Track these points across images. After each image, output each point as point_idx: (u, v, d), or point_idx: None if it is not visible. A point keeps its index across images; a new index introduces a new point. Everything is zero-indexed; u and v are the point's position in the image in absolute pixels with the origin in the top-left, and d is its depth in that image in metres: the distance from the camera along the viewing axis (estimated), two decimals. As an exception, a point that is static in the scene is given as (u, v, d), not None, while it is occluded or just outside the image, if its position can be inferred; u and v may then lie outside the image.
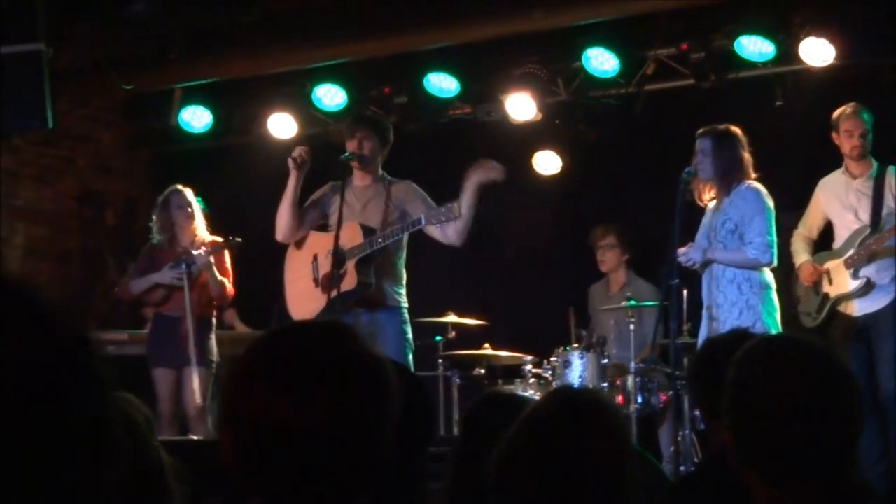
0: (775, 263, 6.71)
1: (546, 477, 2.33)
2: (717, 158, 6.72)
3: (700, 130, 6.84)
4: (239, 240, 7.68)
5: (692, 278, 6.96)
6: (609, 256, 8.69)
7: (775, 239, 6.68)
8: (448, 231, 6.85)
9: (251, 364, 1.90)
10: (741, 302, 6.62)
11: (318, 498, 1.84)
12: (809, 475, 2.25)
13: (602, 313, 8.53)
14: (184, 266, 7.53)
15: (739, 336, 3.51)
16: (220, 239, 7.78)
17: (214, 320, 7.85)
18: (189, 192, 7.82)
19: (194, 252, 7.56)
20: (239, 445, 1.85)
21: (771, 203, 6.70)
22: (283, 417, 1.80)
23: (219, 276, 7.64)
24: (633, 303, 7.83)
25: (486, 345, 8.16)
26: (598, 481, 2.33)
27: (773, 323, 6.63)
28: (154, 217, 7.88)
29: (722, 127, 6.81)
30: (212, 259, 7.60)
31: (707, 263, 6.75)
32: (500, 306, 8.77)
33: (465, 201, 6.71)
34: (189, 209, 7.77)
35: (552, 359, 7.78)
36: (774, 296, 6.72)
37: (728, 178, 6.75)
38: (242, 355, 1.94)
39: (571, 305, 8.07)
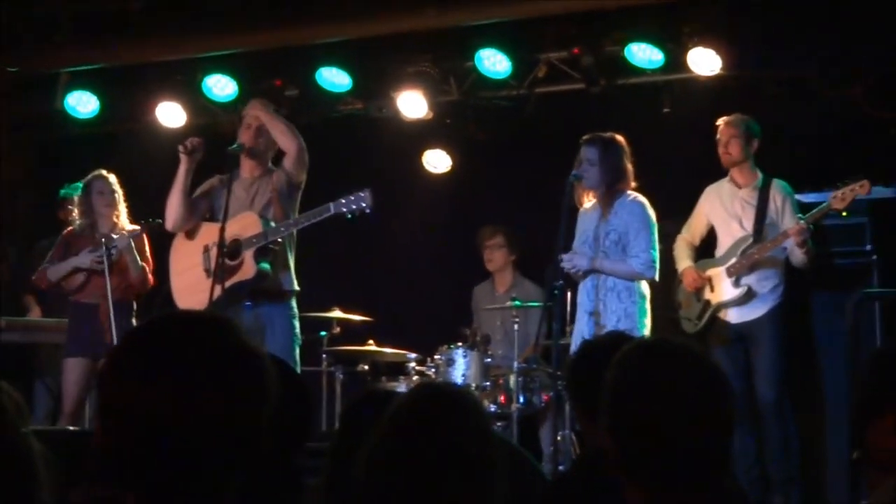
0: (657, 279, 6.85)
1: (411, 470, 2.34)
2: (602, 168, 6.80)
3: (585, 137, 6.89)
4: (159, 221, 7.50)
5: (576, 282, 7.03)
6: (496, 256, 8.74)
7: (658, 254, 6.82)
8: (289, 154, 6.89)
9: (127, 354, 1.88)
10: (620, 310, 6.74)
11: (189, 490, 1.83)
12: (684, 476, 2.29)
13: (488, 312, 8.57)
14: (104, 250, 7.37)
15: (616, 339, 3.56)
16: (137, 227, 7.65)
17: (135, 306, 7.67)
18: (112, 179, 7.69)
19: (114, 236, 7.42)
20: (112, 436, 1.83)
21: (654, 216, 6.84)
22: (156, 408, 1.78)
23: (139, 261, 7.51)
24: (517, 303, 7.88)
25: (371, 341, 8.16)
26: (462, 472, 2.34)
27: (647, 331, 6.77)
28: (76, 201, 7.73)
29: (607, 135, 6.88)
30: (132, 243, 7.46)
31: (590, 271, 6.84)
32: (385, 303, 8.77)
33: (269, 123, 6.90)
34: (110, 196, 7.64)
35: (436, 356, 7.81)
36: (648, 306, 6.87)
37: (613, 188, 6.85)
38: (119, 344, 1.92)
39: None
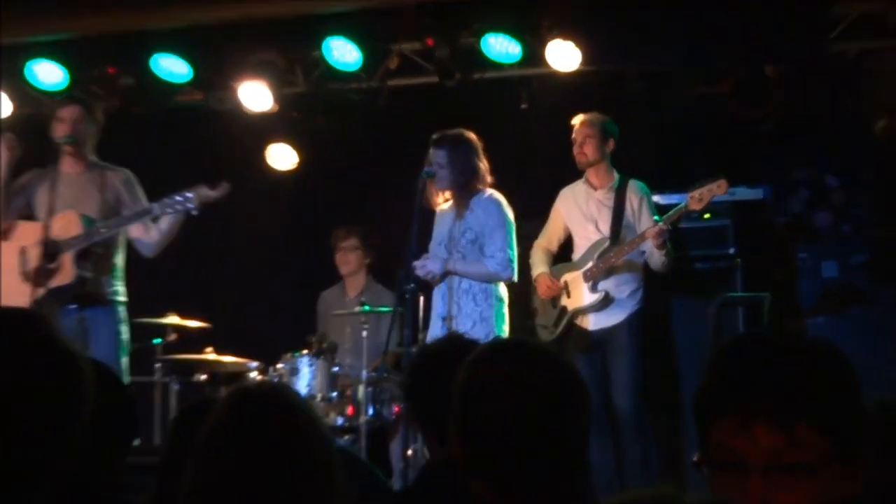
0: (515, 279, 6.93)
1: (235, 478, 2.34)
2: (452, 169, 6.88)
3: (434, 137, 6.96)
4: None
5: (430, 285, 7.08)
6: (351, 259, 8.75)
7: (515, 253, 6.89)
8: (151, 234, 6.81)
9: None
10: (475, 314, 6.84)
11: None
12: (537, 479, 2.34)
13: (336, 319, 8.57)
14: None
15: (456, 342, 3.60)
16: None
17: None
18: None
19: None
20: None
21: (511, 215, 6.95)
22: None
23: None
24: (366, 308, 7.89)
25: (209, 349, 8.09)
26: (291, 476, 2.35)
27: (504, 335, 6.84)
28: None
29: (455, 134, 6.95)
30: None
31: (446, 274, 6.89)
32: (226, 308, 8.72)
33: (172, 217, 6.72)
34: None
35: (279, 365, 7.78)
36: (506, 310, 6.97)
37: (466, 188, 6.92)
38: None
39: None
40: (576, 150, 7.37)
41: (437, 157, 6.91)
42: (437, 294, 6.99)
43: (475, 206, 6.93)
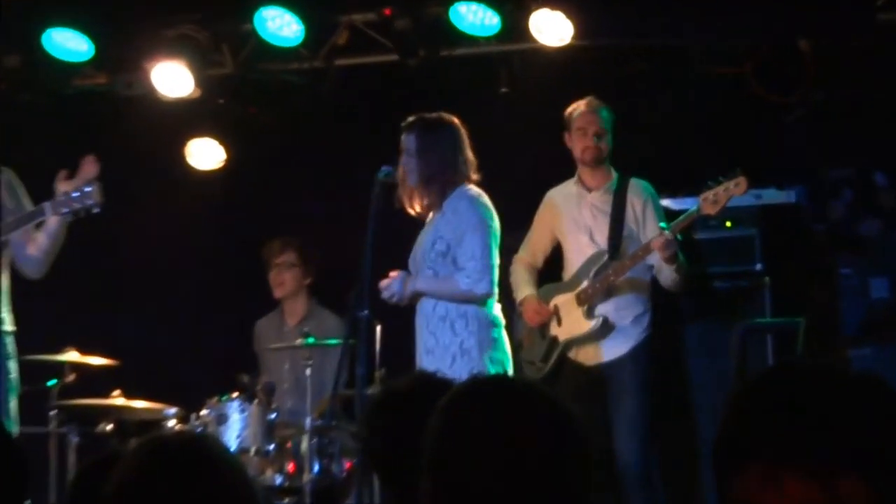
0: (495, 294, 6.79)
1: None
2: (420, 160, 6.75)
3: (407, 121, 6.85)
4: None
5: (393, 310, 6.99)
6: (287, 278, 8.74)
7: (496, 262, 6.76)
8: (38, 242, 6.79)
9: None
10: (454, 346, 6.65)
11: None
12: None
13: (273, 354, 8.56)
14: None
15: (422, 383, 3.58)
16: None
17: None
18: None
19: None
20: None
21: (492, 216, 6.76)
22: None
23: None
24: (310, 340, 7.87)
25: (117, 392, 8.07)
26: None
27: (500, 371, 6.61)
28: None
29: (431, 117, 6.85)
30: None
31: (417, 296, 6.81)
32: (137, 342, 8.70)
33: (60, 220, 6.71)
34: None
35: (203, 412, 7.76)
36: (503, 335, 6.78)
37: (439, 184, 6.77)
38: None
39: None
40: (586, 141, 7.30)
41: (406, 143, 6.77)
42: (417, 324, 6.86)
43: (447, 208, 6.76)
